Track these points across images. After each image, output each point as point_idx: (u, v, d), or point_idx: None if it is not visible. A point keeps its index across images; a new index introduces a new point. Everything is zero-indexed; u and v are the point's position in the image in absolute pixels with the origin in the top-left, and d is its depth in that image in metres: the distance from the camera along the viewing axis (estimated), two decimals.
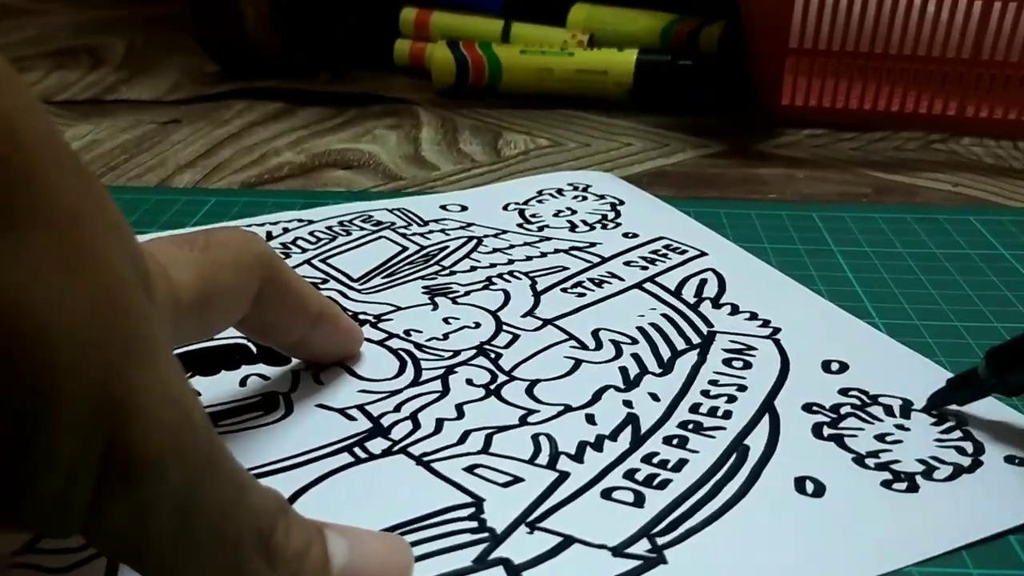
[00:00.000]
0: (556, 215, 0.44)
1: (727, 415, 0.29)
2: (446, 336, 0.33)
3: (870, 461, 0.27)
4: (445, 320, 0.34)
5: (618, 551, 0.23)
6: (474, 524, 0.24)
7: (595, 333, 0.33)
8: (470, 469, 0.26)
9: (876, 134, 0.58)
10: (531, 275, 0.38)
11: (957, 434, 0.28)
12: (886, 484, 0.26)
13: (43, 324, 0.14)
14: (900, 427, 0.28)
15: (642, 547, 0.23)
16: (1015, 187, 0.49)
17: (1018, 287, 0.37)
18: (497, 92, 0.63)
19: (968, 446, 0.27)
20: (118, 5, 0.92)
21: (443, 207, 0.45)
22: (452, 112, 0.62)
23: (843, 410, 0.29)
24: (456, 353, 0.32)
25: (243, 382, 0.30)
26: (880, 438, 0.28)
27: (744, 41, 0.62)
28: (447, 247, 0.40)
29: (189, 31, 0.69)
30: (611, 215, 0.44)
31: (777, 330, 0.34)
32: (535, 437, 0.27)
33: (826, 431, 0.28)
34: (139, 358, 0.15)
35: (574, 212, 0.44)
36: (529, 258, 0.39)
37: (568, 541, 0.23)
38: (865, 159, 0.54)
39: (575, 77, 0.62)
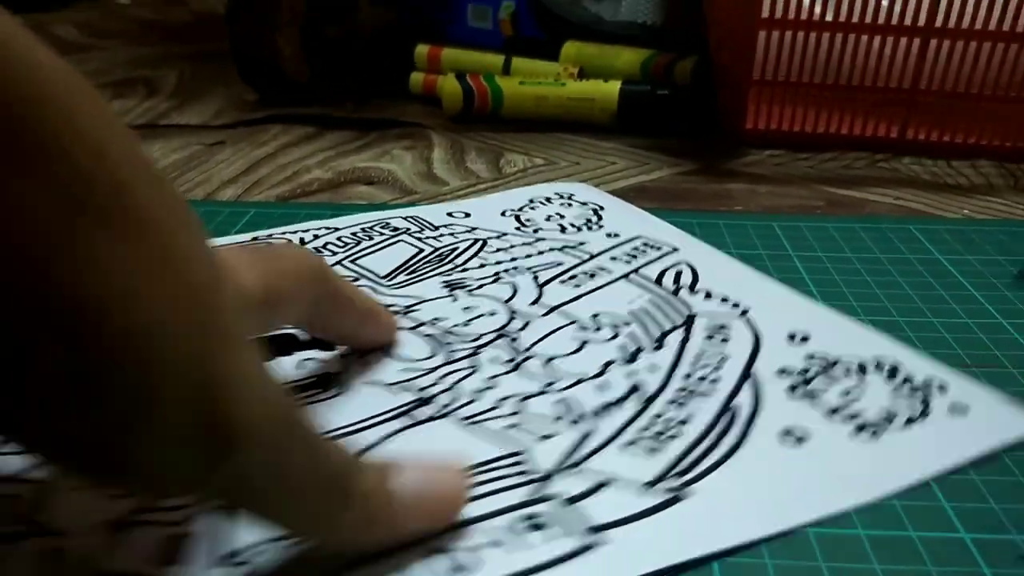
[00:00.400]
0: (547, 219, 0.44)
1: (715, 381, 0.29)
2: (468, 323, 0.33)
3: (838, 414, 0.27)
4: (464, 309, 0.34)
5: (646, 490, 0.24)
6: (523, 468, 0.25)
7: (594, 317, 0.34)
8: (509, 428, 0.27)
9: (828, 154, 0.57)
10: (532, 270, 0.38)
11: (907, 389, 0.28)
12: (854, 432, 0.26)
13: (144, 322, 0.14)
14: (858, 386, 0.29)
15: (664, 486, 0.24)
16: (949, 200, 0.49)
17: (952, 287, 0.37)
18: (499, 118, 0.63)
19: (917, 400, 0.28)
20: (170, 42, 0.92)
21: (449, 214, 0.45)
22: (460, 135, 0.61)
23: (810, 373, 0.30)
24: (479, 337, 0.32)
25: (300, 365, 0.31)
26: (844, 394, 0.28)
27: (714, 73, 0.61)
28: (457, 248, 0.40)
29: (233, 65, 0.69)
30: (594, 218, 0.44)
31: (747, 310, 0.34)
32: (558, 402, 0.28)
33: (799, 391, 0.29)
34: (227, 346, 0.16)
35: (562, 216, 0.44)
36: (528, 256, 0.39)
37: (605, 481, 0.24)
38: (819, 176, 0.53)
39: (567, 104, 0.62)
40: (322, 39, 0.67)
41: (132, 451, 0.15)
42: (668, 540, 0.22)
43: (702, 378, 0.29)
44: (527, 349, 0.31)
